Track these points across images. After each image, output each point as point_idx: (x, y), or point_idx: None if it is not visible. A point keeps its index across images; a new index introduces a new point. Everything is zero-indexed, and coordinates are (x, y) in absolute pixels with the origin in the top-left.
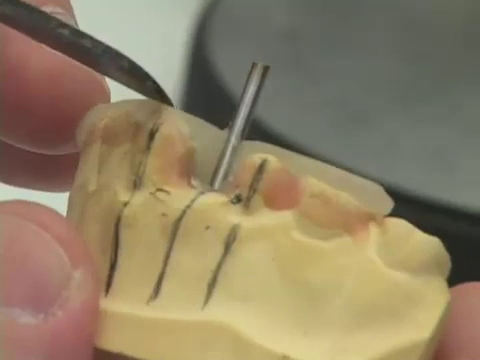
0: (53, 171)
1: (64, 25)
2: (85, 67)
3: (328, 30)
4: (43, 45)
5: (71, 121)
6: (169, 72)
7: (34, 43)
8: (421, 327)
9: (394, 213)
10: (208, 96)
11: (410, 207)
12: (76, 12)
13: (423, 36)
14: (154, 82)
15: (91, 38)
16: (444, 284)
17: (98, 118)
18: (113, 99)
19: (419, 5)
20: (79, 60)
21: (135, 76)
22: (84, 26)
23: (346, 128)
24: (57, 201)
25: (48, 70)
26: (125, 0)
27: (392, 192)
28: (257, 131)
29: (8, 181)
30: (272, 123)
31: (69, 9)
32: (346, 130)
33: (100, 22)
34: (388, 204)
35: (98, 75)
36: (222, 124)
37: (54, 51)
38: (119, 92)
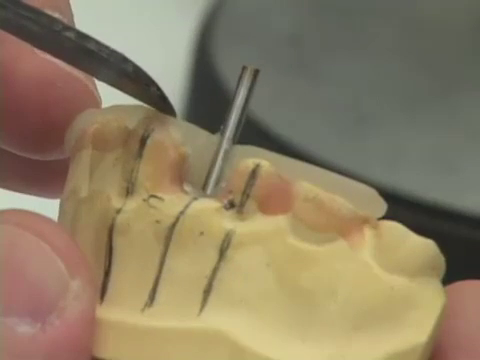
0: (45, 176)
1: (69, 28)
2: (76, 74)
3: (331, 34)
4: (34, 50)
5: (60, 127)
6: (172, 76)
7: (24, 48)
8: (419, 330)
9: (396, 216)
10: (211, 100)
11: (412, 210)
12: (78, 14)
13: (426, 39)
14: (158, 88)
15: (96, 42)
16: (440, 286)
17: (88, 123)
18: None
19: (422, 9)
20: (81, 67)
21: (139, 81)
22: (88, 31)
23: (349, 131)
24: (49, 207)
25: (38, 76)
26: (128, 4)
27: (395, 195)
28: (260, 134)
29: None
30: (275, 127)
31: (68, 15)
32: (349, 133)
33: (103, 27)
34: (382, 207)
35: (89, 83)
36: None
37: (44, 56)
38: (110, 101)
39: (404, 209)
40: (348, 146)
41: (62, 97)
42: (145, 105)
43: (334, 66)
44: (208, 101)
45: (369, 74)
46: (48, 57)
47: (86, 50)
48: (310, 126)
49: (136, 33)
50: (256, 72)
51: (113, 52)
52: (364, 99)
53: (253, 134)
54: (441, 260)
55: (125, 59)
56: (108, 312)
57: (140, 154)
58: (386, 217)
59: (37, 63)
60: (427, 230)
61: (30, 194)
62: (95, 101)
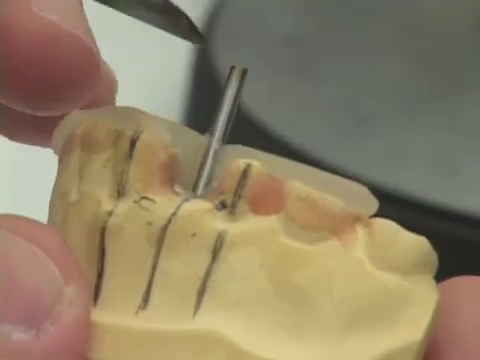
0: (51, 127)
1: None
2: (74, 31)
3: (331, 34)
4: (32, 8)
5: (59, 84)
6: (173, 76)
7: (25, 7)
8: (413, 327)
9: (395, 216)
10: (212, 100)
11: (412, 211)
12: None
13: (426, 39)
14: (188, 19)
15: None
16: (433, 283)
17: (76, 124)
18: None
19: (422, 9)
20: (107, 2)
21: (169, 13)
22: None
23: (349, 132)
24: (39, 212)
25: (36, 32)
26: None
27: (394, 196)
28: (259, 135)
29: (11, 136)
30: (275, 127)
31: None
32: (349, 134)
33: (103, 27)
34: (374, 204)
35: (88, 39)
36: (230, 131)
37: (42, 14)
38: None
39: (404, 210)
40: (348, 147)
41: (61, 56)
42: (134, 106)
43: (334, 66)
44: (208, 101)
45: (369, 74)
46: (46, 15)
47: None
48: (310, 127)
49: (136, 33)
50: (244, 72)
51: None
52: (364, 99)
53: (253, 135)
54: (434, 257)
55: None
56: (102, 315)
57: (130, 156)
58: (385, 217)
59: (36, 22)
60: (427, 231)
61: (40, 145)
62: (93, 58)
